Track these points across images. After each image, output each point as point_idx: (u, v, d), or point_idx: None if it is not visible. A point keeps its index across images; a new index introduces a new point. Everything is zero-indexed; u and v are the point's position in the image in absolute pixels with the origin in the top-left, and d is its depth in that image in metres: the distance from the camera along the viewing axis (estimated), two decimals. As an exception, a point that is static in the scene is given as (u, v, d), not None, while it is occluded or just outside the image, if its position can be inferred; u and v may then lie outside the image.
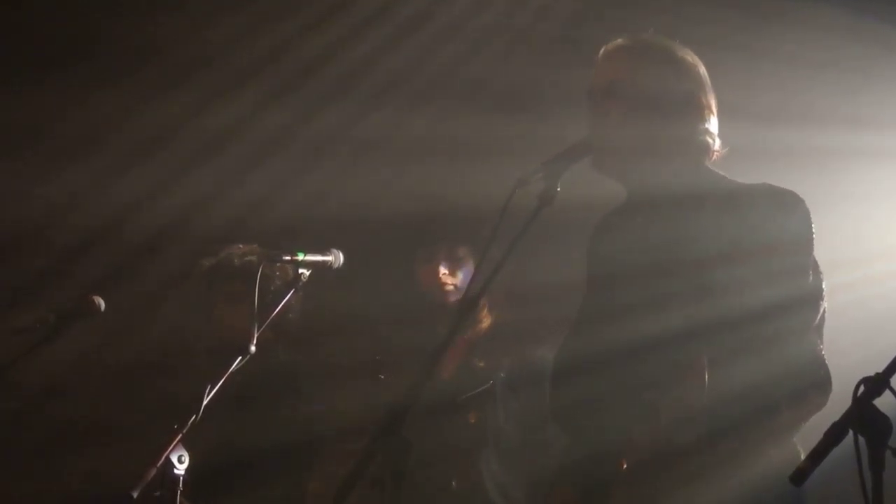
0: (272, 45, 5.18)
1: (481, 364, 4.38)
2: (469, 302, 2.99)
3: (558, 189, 2.99)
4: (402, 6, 5.14)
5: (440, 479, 4.25)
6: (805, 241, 3.06)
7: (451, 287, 4.45)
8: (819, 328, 3.06)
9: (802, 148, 4.46)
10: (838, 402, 2.27)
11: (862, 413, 2.19)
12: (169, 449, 3.07)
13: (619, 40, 3.29)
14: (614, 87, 3.20)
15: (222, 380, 3.25)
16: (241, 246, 4.68)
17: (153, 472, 3.05)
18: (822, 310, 3.06)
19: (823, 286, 3.08)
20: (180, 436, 3.10)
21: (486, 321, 4.47)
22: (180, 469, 3.09)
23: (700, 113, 3.20)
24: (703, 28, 4.46)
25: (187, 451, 3.11)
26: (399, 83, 5.25)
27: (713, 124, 3.23)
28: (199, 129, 5.26)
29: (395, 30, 5.17)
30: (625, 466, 3.01)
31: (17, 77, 5.04)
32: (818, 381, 2.98)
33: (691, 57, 3.26)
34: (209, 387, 3.20)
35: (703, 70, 3.26)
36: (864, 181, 4.65)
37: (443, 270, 4.46)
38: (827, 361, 3.02)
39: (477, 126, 5.06)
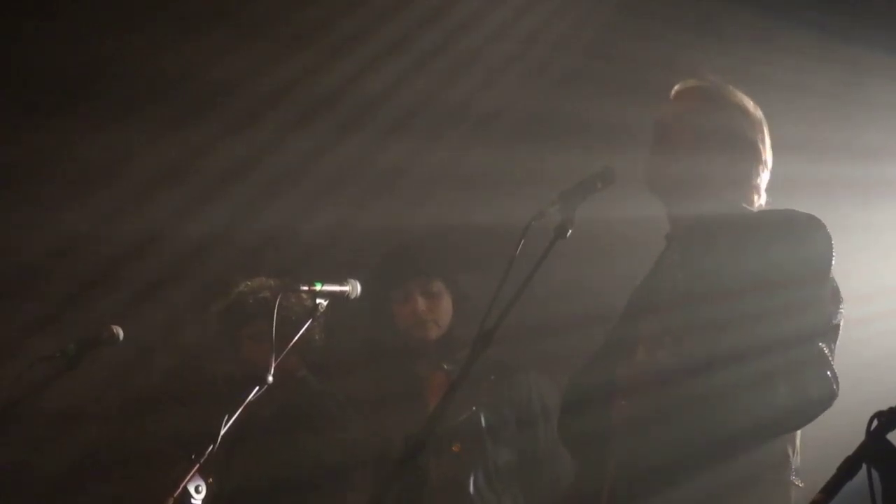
0: (287, 77, 5.20)
1: (461, 394, 4.34)
2: (486, 335, 2.98)
3: (574, 221, 3.02)
4: (417, 39, 5.17)
5: None
6: (825, 267, 3.09)
7: (430, 323, 4.39)
8: (833, 342, 3.10)
9: (820, 180, 4.47)
10: (852, 435, 2.27)
11: (876, 447, 2.20)
12: (186, 479, 3.08)
13: (694, 80, 3.36)
14: (685, 120, 3.26)
15: (240, 409, 3.26)
16: (248, 283, 4.62)
17: (170, 502, 3.06)
18: (839, 323, 3.10)
19: (841, 297, 3.12)
20: (198, 466, 3.11)
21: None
22: (197, 499, 3.09)
23: (757, 166, 3.27)
24: (717, 60, 4.50)
25: (216, 477, 3.12)
26: (415, 115, 5.28)
27: (764, 181, 3.29)
28: (217, 160, 5.29)
29: (410, 62, 5.20)
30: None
31: (36, 107, 5.09)
32: (829, 401, 3.02)
33: (759, 113, 3.33)
34: (227, 416, 3.22)
35: (766, 128, 3.32)
36: (880, 214, 4.65)
37: (420, 307, 4.40)
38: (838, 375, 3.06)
39: (493, 158, 5.08)
